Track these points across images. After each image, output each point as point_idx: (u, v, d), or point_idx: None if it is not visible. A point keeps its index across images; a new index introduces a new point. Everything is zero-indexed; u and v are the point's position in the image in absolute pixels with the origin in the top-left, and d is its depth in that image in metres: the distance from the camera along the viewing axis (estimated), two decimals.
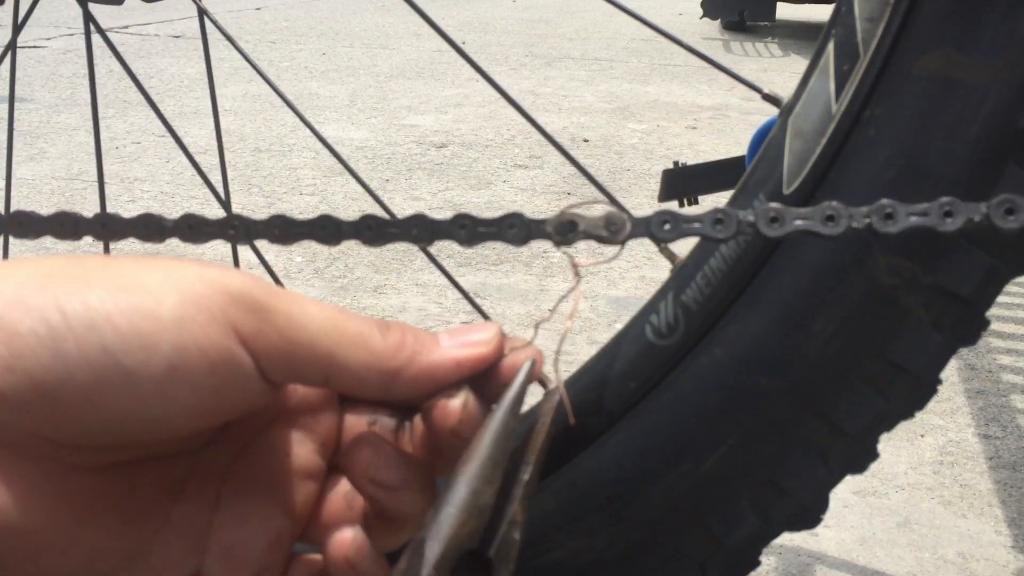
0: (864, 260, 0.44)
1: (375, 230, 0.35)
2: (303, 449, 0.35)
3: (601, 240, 0.34)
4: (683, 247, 0.46)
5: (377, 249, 1.70)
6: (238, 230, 0.35)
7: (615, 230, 0.34)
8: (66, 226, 0.36)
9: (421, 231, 0.35)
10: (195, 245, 0.33)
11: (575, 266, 0.35)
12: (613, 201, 0.52)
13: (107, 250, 0.73)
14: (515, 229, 0.35)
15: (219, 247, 1.66)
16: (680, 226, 0.34)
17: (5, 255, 0.72)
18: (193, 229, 0.35)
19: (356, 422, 0.36)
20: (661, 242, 0.36)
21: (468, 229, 0.35)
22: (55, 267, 0.30)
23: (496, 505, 0.31)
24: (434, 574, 0.29)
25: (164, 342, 0.29)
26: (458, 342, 0.34)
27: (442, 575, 0.29)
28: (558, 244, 0.34)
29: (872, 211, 0.34)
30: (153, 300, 0.29)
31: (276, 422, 0.35)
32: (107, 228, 0.36)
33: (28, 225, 0.36)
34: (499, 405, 0.33)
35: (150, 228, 0.36)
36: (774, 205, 0.34)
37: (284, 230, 0.35)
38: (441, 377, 0.33)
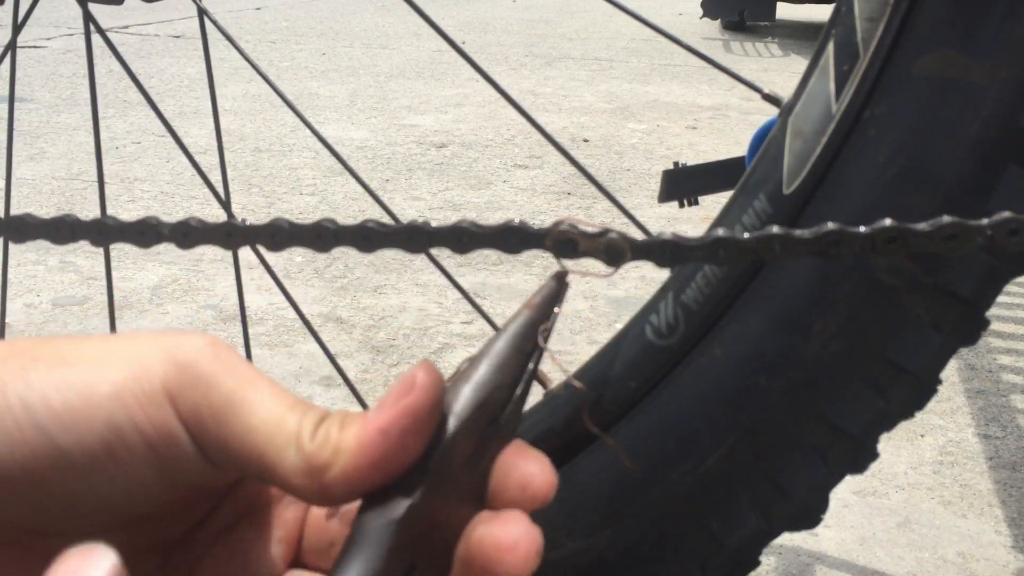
0: (864, 260, 0.44)
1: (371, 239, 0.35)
2: (265, 551, 0.33)
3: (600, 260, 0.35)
4: None
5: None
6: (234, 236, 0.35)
7: (615, 256, 0.34)
8: (63, 231, 0.36)
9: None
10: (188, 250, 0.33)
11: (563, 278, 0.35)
12: (613, 201, 0.52)
13: (107, 255, 0.73)
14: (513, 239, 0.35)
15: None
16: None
17: (5, 257, 0.72)
18: (188, 236, 0.35)
19: (318, 514, 0.34)
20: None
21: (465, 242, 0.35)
22: (14, 351, 0.29)
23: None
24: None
25: (97, 419, 0.28)
26: (383, 406, 0.29)
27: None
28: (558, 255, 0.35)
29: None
30: (94, 375, 0.28)
31: (242, 521, 0.34)
32: (103, 234, 0.36)
33: (25, 231, 0.36)
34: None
35: (147, 234, 0.36)
36: (776, 230, 0.33)
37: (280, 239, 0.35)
38: (375, 455, 0.28)
